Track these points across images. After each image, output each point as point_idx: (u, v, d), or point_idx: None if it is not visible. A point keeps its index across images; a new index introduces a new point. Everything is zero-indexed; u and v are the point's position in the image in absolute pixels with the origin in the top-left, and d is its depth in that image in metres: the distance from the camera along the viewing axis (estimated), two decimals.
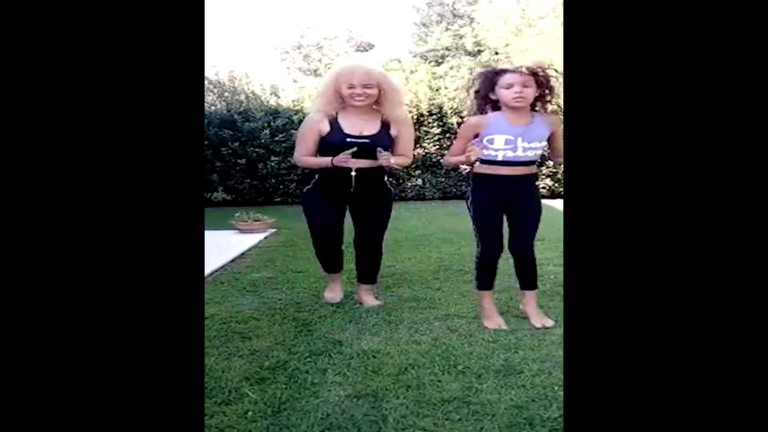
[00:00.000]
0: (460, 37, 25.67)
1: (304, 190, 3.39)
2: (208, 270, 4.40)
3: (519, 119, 2.84)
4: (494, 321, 3.05)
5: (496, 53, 23.14)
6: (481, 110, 2.94)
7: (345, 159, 3.10)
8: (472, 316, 3.19)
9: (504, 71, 2.81)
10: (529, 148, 2.84)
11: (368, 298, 3.54)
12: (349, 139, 3.15)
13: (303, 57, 30.53)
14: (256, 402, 2.22)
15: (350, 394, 2.27)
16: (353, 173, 3.20)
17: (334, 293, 3.56)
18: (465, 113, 3.11)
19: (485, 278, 3.10)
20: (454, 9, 26.96)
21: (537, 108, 2.91)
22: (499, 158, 2.86)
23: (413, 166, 10.26)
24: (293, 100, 10.69)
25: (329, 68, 27.73)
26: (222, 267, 4.56)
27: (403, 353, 2.67)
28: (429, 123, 10.12)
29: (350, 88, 3.09)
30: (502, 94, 2.79)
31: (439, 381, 2.37)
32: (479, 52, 24.84)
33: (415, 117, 10.13)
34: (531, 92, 2.78)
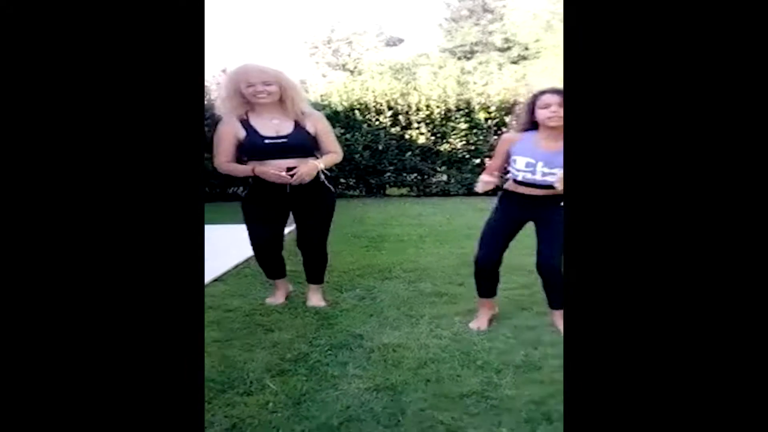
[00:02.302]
0: (490, 33, 25.53)
1: (243, 196, 3.35)
2: (232, 263, 4.46)
3: (550, 144, 2.80)
4: (477, 323, 3.04)
5: (526, 48, 22.98)
6: (523, 130, 2.94)
7: (263, 171, 3.05)
8: (493, 312, 3.19)
9: (544, 92, 2.81)
10: (550, 173, 2.78)
11: (314, 298, 3.49)
12: (267, 141, 3.07)
13: (332, 52, 30.61)
14: (277, 393, 2.25)
15: (370, 387, 2.29)
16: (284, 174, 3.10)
17: (275, 298, 3.55)
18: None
19: (479, 285, 3.09)
20: (485, 4, 26.81)
21: None
22: (519, 178, 2.87)
23: (439, 162, 10.24)
24: (321, 95, 10.71)
25: (358, 63, 27.55)
26: (246, 260, 4.60)
27: (423, 348, 2.69)
28: (456, 119, 10.08)
29: (249, 86, 3.02)
30: (539, 113, 2.78)
31: (459, 375, 2.39)
32: (509, 47, 24.69)
33: (443, 112, 10.10)
34: None
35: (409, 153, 10.09)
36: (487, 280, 3.06)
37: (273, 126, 3.10)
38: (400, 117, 10.10)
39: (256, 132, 3.09)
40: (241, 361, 2.56)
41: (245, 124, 3.11)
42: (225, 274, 4.23)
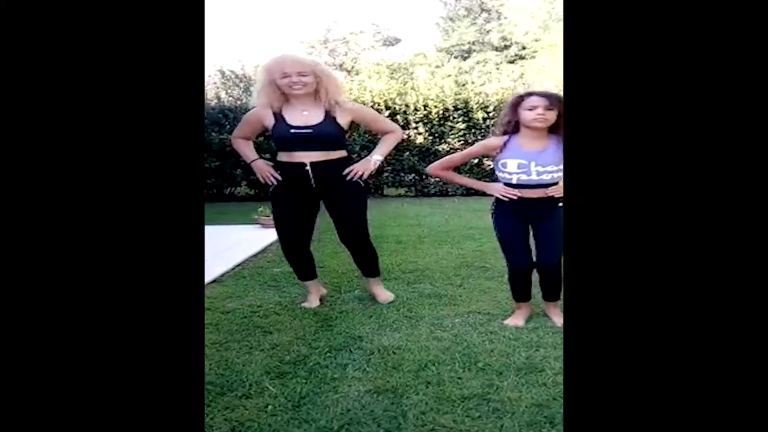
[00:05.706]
0: (487, 32, 25.53)
1: (271, 187, 3.30)
2: (230, 264, 4.43)
3: (535, 143, 2.85)
4: (515, 321, 3.05)
5: (524, 48, 22.99)
6: (504, 133, 2.96)
7: (259, 167, 3.25)
8: (493, 313, 3.18)
9: (530, 94, 2.84)
10: (545, 171, 2.83)
11: (378, 291, 3.49)
12: (292, 130, 3.09)
13: (329, 51, 30.53)
14: (276, 396, 2.23)
15: (370, 389, 2.27)
16: (307, 168, 3.13)
17: (308, 302, 3.45)
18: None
19: (516, 290, 3.10)
20: (482, 3, 26.78)
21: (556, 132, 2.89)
22: (514, 181, 2.89)
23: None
24: None
25: (356, 62, 27.51)
26: (244, 261, 4.58)
27: (424, 349, 2.67)
28: (454, 118, 10.07)
29: (285, 77, 3.02)
30: (526, 114, 2.81)
31: (460, 378, 2.36)
32: (506, 47, 24.69)
33: (441, 112, 10.10)
34: (553, 115, 2.79)
35: (407, 153, 10.08)
36: (525, 284, 3.08)
37: (302, 117, 3.11)
38: (398, 117, 10.08)
39: (284, 121, 3.11)
40: (240, 364, 2.54)
41: (276, 114, 3.14)
42: (223, 275, 4.21)
